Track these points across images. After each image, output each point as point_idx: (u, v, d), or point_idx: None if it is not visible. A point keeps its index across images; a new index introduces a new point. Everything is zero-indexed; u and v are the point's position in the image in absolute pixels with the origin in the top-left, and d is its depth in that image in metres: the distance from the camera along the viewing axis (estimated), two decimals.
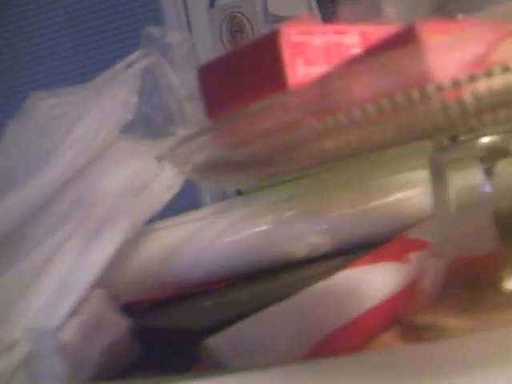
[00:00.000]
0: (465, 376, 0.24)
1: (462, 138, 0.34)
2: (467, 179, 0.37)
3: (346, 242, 0.55)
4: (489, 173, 0.35)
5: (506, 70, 0.20)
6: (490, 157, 0.35)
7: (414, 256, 0.43)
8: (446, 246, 0.38)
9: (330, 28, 0.28)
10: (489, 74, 0.20)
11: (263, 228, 0.56)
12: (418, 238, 0.46)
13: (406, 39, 0.22)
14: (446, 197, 0.37)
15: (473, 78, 0.20)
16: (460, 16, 0.32)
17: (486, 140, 0.34)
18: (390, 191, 0.55)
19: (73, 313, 0.43)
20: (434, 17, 0.35)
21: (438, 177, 0.37)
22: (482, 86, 0.20)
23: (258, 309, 0.40)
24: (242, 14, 1.41)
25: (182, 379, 0.32)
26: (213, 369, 0.36)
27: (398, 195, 0.55)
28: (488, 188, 0.36)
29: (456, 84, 0.21)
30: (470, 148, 0.34)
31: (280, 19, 1.34)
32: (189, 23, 1.49)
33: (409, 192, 0.54)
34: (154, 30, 0.50)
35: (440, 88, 0.21)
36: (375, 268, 0.43)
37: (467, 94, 0.20)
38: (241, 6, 1.40)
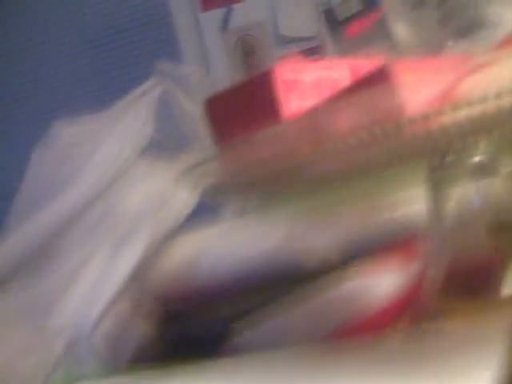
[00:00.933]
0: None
1: (449, 158, 0.36)
2: (462, 195, 0.39)
3: (356, 252, 0.57)
4: (479, 189, 0.38)
5: (469, 104, 0.23)
6: (479, 175, 0.37)
7: (415, 264, 0.45)
8: (442, 255, 0.40)
9: (320, 64, 0.31)
10: (454, 107, 0.23)
11: (277, 241, 0.58)
12: (419, 247, 0.48)
13: (380, 78, 0.25)
14: (441, 211, 0.39)
15: (440, 112, 0.23)
16: (450, 43, 0.35)
17: (474, 160, 0.37)
18: (398, 205, 0.57)
19: (103, 319, 0.46)
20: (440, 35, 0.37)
21: (434, 193, 0.40)
22: (447, 118, 0.23)
23: (271, 315, 0.42)
24: (254, 37, 1.44)
25: (209, 363, 0.34)
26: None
27: (406, 209, 0.57)
28: (480, 203, 0.38)
29: (425, 117, 0.23)
30: (459, 167, 0.36)
31: (291, 41, 1.37)
32: (202, 46, 1.52)
33: (416, 206, 0.56)
34: (164, 65, 0.54)
35: (411, 120, 0.24)
36: (378, 276, 0.45)
37: (435, 126, 0.23)
38: (252, 29, 1.44)
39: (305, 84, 0.30)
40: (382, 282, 0.45)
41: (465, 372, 0.26)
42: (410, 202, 0.56)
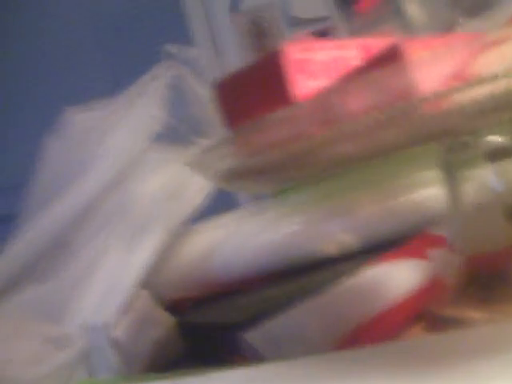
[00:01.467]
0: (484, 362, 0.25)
1: (465, 139, 0.35)
2: (478, 178, 0.38)
3: (374, 239, 0.57)
4: (497, 171, 0.37)
5: (481, 81, 0.22)
6: (497, 156, 0.36)
7: (435, 252, 0.45)
8: (461, 242, 0.39)
9: (330, 44, 0.31)
10: (467, 85, 0.23)
11: (294, 228, 0.58)
12: (438, 234, 0.47)
13: (392, 56, 0.24)
14: (457, 196, 0.39)
15: (453, 91, 0.23)
16: (461, 20, 0.34)
17: (491, 140, 0.36)
18: (416, 189, 0.57)
19: (122, 311, 0.46)
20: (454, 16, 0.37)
21: (450, 176, 0.39)
22: (462, 96, 0.23)
23: (290, 304, 0.42)
24: (265, 18, 1.43)
25: (223, 369, 0.35)
26: (252, 359, 0.39)
27: (424, 192, 0.56)
28: (499, 186, 0.37)
29: (439, 96, 0.23)
30: (475, 148, 0.36)
31: (302, 22, 1.35)
32: (212, 28, 1.51)
33: (434, 189, 0.56)
34: (171, 47, 0.53)
35: (425, 99, 0.23)
36: (399, 264, 0.45)
37: (449, 104, 0.23)
38: (263, 10, 1.42)
39: (316, 64, 0.29)
40: (401, 270, 0.45)
41: (490, 369, 0.25)
42: (426, 185, 0.55)
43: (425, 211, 0.55)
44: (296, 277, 0.56)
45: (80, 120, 0.61)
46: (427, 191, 0.57)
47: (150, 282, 0.51)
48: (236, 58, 1.42)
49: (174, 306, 0.54)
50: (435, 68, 0.24)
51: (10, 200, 0.64)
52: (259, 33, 1.44)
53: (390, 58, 0.24)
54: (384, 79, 0.24)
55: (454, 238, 0.40)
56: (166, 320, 0.48)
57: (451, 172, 0.39)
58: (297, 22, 1.39)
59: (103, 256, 0.50)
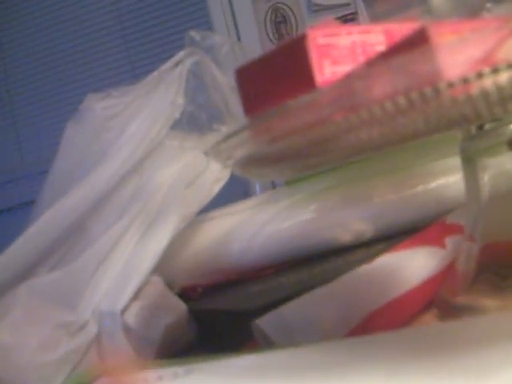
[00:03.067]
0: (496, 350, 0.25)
1: (489, 125, 0.35)
2: (498, 166, 0.38)
3: (389, 227, 0.56)
4: None
5: (509, 67, 0.22)
6: None
7: (451, 240, 0.44)
8: (478, 231, 0.39)
9: (354, 28, 0.30)
10: (495, 70, 0.22)
11: (309, 216, 0.58)
12: (454, 222, 0.47)
13: (417, 40, 0.24)
14: (477, 184, 0.38)
15: (480, 75, 0.22)
16: (489, 5, 0.34)
17: None
18: (432, 177, 0.56)
19: (135, 297, 0.46)
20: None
21: (469, 164, 0.39)
22: (488, 82, 0.22)
23: (304, 292, 0.42)
24: (286, 5, 1.42)
25: (234, 356, 0.35)
26: (264, 346, 0.39)
27: (440, 181, 0.56)
28: None
29: (465, 81, 0.22)
30: (497, 136, 0.35)
31: (323, 8, 1.34)
32: (233, 15, 1.51)
33: (451, 177, 0.55)
34: (195, 34, 0.53)
35: (451, 85, 0.23)
36: (414, 252, 0.45)
37: (475, 90, 0.22)
38: None
39: (339, 49, 0.29)
40: (418, 257, 0.45)
41: (502, 356, 0.25)
42: (445, 173, 0.54)
43: (443, 199, 0.55)
44: (310, 264, 0.56)
45: (100, 107, 0.61)
46: (446, 179, 0.56)
47: (163, 268, 0.51)
48: (257, 44, 1.41)
49: (186, 293, 0.55)
50: (462, 53, 0.23)
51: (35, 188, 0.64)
52: (280, 20, 1.43)
53: (416, 42, 0.24)
54: (410, 64, 0.24)
55: (472, 227, 0.40)
56: (178, 306, 0.49)
57: (471, 160, 0.39)
58: (319, 9, 1.38)
59: (119, 243, 0.50)
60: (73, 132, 0.63)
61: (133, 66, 1.87)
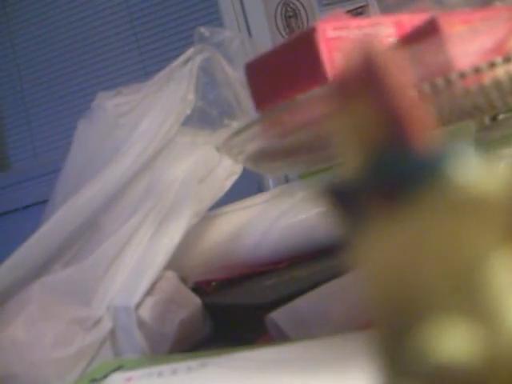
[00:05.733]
0: None
1: (502, 116, 0.35)
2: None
3: None
4: None
5: None
6: None
7: None
8: None
9: (364, 21, 0.30)
10: (507, 60, 0.22)
11: (322, 209, 0.58)
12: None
13: (428, 32, 0.23)
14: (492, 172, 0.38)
15: (492, 65, 0.22)
16: None
17: None
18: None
19: (149, 292, 0.47)
20: None
21: (484, 153, 0.38)
22: (501, 71, 0.22)
23: (318, 285, 0.42)
24: None
25: (248, 350, 0.35)
26: (277, 339, 0.39)
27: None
28: None
29: (477, 71, 0.22)
30: (511, 126, 0.35)
31: (334, 2, 1.34)
32: (244, 10, 1.51)
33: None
34: (205, 30, 0.53)
35: (462, 75, 0.23)
36: None
37: (487, 80, 0.22)
38: None
39: (349, 42, 0.29)
40: None
41: None
42: None
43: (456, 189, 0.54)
44: (324, 258, 0.55)
45: (112, 104, 0.61)
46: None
47: (177, 263, 0.51)
48: (267, 39, 1.41)
49: (200, 287, 0.55)
50: (474, 42, 0.23)
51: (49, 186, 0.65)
52: (291, 14, 1.43)
53: (427, 33, 0.24)
54: (421, 54, 0.23)
55: None
56: (193, 301, 0.49)
57: (486, 149, 0.38)
58: (329, 2, 1.37)
59: (132, 239, 0.50)
60: (84, 130, 0.63)
61: (144, 63, 1.87)
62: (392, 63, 0.13)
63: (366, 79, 0.13)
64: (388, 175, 0.13)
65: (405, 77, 0.13)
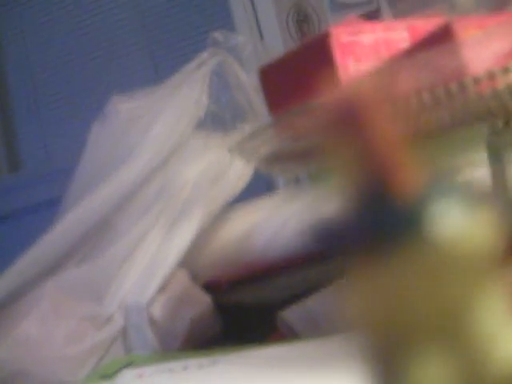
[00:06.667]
0: None
1: None
2: None
3: None
4: None
5: None
6: None
7: None
8: (505, 224, 0.39)
9: (378, 26, 0.31)
10: None
11: (334, 209, 0.58)
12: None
13: (442, 36, 0.24)
14: (504, 177, 0.38)
15: (506, 70, 0.22)
16: None
17: None
18: (458, 171, 0.56)
19: (160, 290, 0.47)
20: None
21: (495, 158, 0.38)
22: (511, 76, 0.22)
23: (329, 284, 0.42)
24: (308, 3, 1.41)
25: (259, 347, 0.35)
26: (288, 337, 0.39)
27: (467, 175, 0.56)
28: None
29: (491, 76, 0.23)
30: None
31: (345, 6, 1.34)
32: (256, 15, 1.51)
33: (477, 171, 0.55)
34: (218, 35, 0.54)
35: (477, 80, 0.23)
36: None
37: (501, 85, 0.22)
38: None
39: (363, 46, 0.29)
40: None
41: None
42: (471, 167, 0.54)
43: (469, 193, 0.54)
44: (334, 258, 0.55)
45: (125, 108, 0.62)
46: (472, 173, 0.56)
47: (188, 262, 0.51)
48: (279, 43, 1.41)
49: (211, 286, 0.55)
50: (488, 47, 0.23)
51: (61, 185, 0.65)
52: (303, 18, 1.43)
53: (441, 38, 0.24)
54: (435, 59, 0.24)
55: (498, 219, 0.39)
56: (203, 299, 0.49)
57: (497, 153, 0.38)
58: (341, 7, 1.37)
59: (145, 238, 0.51)
60: (98, 133, 0.64)
61: (156, 67, 1.88)
62: (378, 111, 0.13)
63: (351, 125, 0.14)
64: (373, 222, 0.14)
65: (390, 125, 0.14)
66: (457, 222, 0.13)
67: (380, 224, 0.13)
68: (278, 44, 1.41)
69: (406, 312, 0.13)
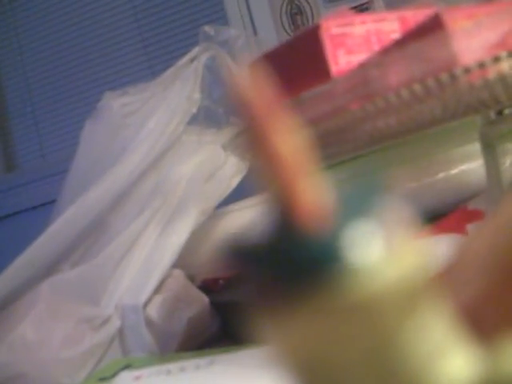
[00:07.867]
0: None
1: (508, 111, 0.35)
2: None
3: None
4: None
5: None
6: None
7: (473, 226, 0.44)
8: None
9: (368, 17, 0.30)
10: (510, 55, 0.22)
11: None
12: (476, 208, 0.46)
13: (432, 27, 0.23)
14: (498, 169, 0.38)
15: (497, 59, 0.22)
16: None
17: None
18: (453, 164, 0.56)
19: (156, 291, 0.47)
20: None
21: (489, 149, 0.38)
22: (505, 66, 0.22)
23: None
24: None
25: (255, 348, 0.35)
26: None
27: (461, 167, 0.56)
28: None
29: (482, 66, 0.22)
30: None
31: (339, 0, 1.33)
32: (249, 8, 1.50)
33: (471, 164, 0.55)
34: (209, 29, 0.53)
35: (467, 70, 0.23)
36: (436, 240, 0.44)
37: (492, 75, 0.22)
38: None
39: (354, 38, 0.29)
40: (439, 245, 0.44)
41: None
42: (465, 160, 0.54)
43: (464, 186, 0.55)
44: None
45: (118, 104, 0.61)
46: (467, 166, 0.56)
47: (184, 261, 0.51)
48: (272, 37, 1.40)
49: (207, 286, 0.55)
50: (478, 37, 0.23)
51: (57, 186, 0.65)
52: (296, 11, 1.43)
53: (431, 29, 0.24)
54: (426, 50, 0.23)
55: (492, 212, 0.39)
56: (200, 299, 0.49)
57: (491, 145, 0.38)
58: (333, 0, 1.37)
59: (140, 238, 0.50)
60: (91, 130, 0.63)
61: (150, 62, 1.88)
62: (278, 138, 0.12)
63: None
64: (283, 258, 0.13)
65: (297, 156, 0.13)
66: (376, 250, 0.12)
67: (291, 260, 0.12)
68: (271, 37, 1.41)
69: (335, 353, 0.12)
